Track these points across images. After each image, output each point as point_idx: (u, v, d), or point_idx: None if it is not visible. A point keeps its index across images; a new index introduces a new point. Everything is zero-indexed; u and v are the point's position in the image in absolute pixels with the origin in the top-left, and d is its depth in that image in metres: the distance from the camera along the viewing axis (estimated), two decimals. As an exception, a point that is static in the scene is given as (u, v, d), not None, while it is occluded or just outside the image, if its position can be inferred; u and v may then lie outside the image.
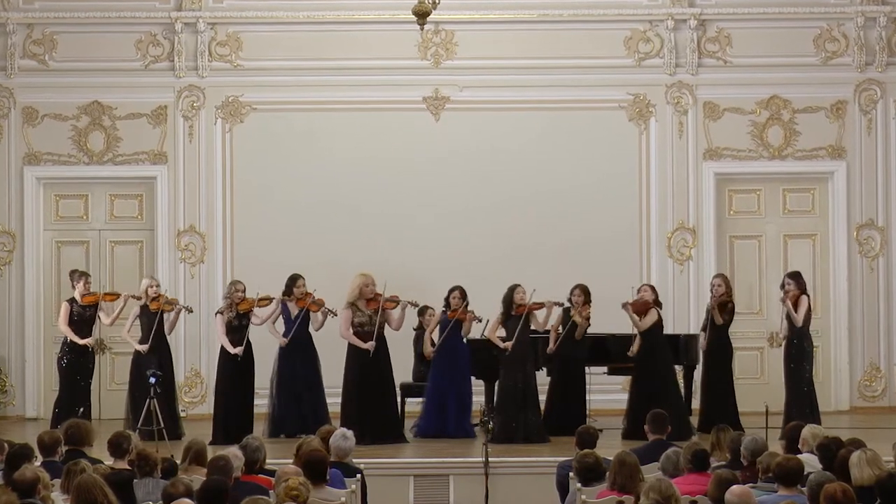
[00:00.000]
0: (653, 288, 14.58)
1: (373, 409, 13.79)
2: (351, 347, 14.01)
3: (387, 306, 14.03)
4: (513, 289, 14.11)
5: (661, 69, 16.54)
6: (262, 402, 14.38)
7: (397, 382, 14.35)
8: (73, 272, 14.86)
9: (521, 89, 16.43)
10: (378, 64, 16.34)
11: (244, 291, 14.30)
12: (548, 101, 16.44)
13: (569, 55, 16.36)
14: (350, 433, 10.00)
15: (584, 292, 14.34)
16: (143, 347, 14.22)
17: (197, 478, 8.62)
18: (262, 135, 16.47)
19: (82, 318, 14.46)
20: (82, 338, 14.38)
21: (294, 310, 14.31)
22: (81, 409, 14.01)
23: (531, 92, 16.43)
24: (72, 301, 14.53)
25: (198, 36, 16.43)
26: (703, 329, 14.67)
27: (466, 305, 14.20)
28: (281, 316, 14.38)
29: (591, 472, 9.03)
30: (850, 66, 16.51)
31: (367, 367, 13.89)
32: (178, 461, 9.47)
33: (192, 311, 14.85)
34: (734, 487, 7.66)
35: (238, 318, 14.21)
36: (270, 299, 14.32)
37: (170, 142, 16.49)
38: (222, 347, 14.31)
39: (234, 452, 8.93)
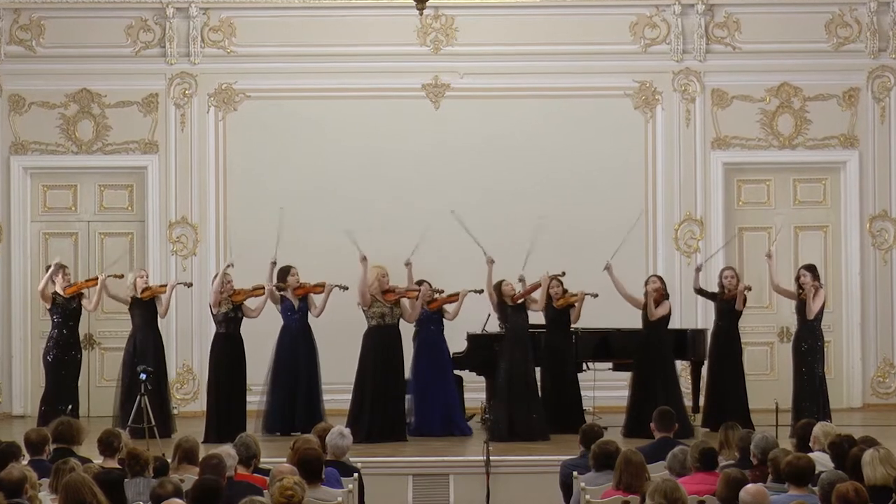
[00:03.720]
0: (661, 279, 14.46)
1: (383, 407, 13.69)
2: (365, 346, 13.85)
3: (409, 295, 13.99)
4: (499, 286, 13.97)
5: (668, 55, 16.44)
6: (255, 399, 14.24)
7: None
8: (53, 265, 14.69)
9: (523, 76, 16.30)
10: (376, 50, 16.22)
11: (231, 283, 14.16)
12: (551, 89, 16.32)
13: (572, 41, 16.25)
14: (347, 431, 9.89)
15: (560, 283, 14.29)
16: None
17: (189, 477, 8.52)
18: (256, 123, 16.35)
19: (66, 309, 14.34)
20: (66, 327, 14.27)
21: (296, 301, 14.17)
22: (70, 407, 13.90)
23: (534, 79, 16.31)
24: (54, 294, 14.42)
25: (190, 21, 16.31)
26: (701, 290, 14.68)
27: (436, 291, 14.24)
28: (282, 313, 14.25)
29: (609, 459, 8.98)
30: (863, 53, 16.41)
31: (381, 363, 13.76)
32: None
33: (191, 286, 14.85)
34: (749, 486, 7.60)
35: (234, 309, 14.04)
36: (262, 288, 14.18)
37: (161, 130, 16.35)
38: (213, 342, 14.16)
39: (227, 451, 8.88)
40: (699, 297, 15.24)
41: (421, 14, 13.78)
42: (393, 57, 16.18)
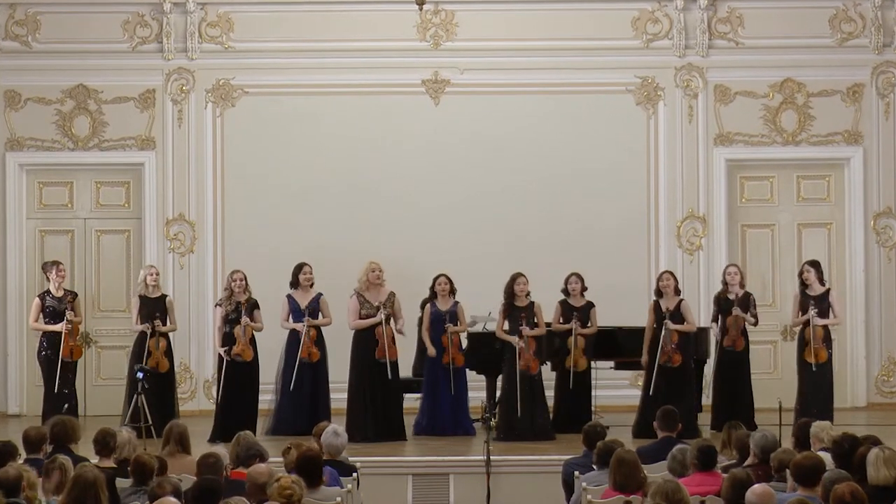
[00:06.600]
0: (673, 275, 14.33)
1: (375, 407, 13.61)
2: (354, 343, 13.77)
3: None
4: (514, 278, 13.88)
5: (670, 51, 16.31)
6: (264, 399, 14.15)
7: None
8: (44, 265, 14.75)
9: (523, 72, 16.18)
10: (375, 46, 16.08)
11: (244, 280, 13.98)
12: (552, 85, 16.20)
13: (574, 36, 16.12)
14: (341, 429, 9.82)
15: (581, 279, 14.20)
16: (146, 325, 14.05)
17: (187, 477, 8.50)
18: (254, 119, 16.22)
19: (56, 311, 14.27)
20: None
21: (303, 302, 14.06)
22: (67, 406, 13.82)
23: (534, 75, 16.18)
24: (43, 295, 14.39)
25: (187, 16, 16.18)
26: (715, 320, 14.41)
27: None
28: (291, 312, 14.16)
29: (611, 456, 8.92)
30: (867, 48, 16.27)
31: (372, 363, 13.64)
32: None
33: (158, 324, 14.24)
34: (755, 487, 7.54)
35: (236, 310, 13.93)
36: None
37: (158, 127, 16.22)
38: (223, 342, 14.03)
39: (221, 450, 8.92)
40: (699, 294, 15.19)
41: (420, 9, 13.68)
42: (392, 52, 16.05)
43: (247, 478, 8.20)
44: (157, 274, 14.43)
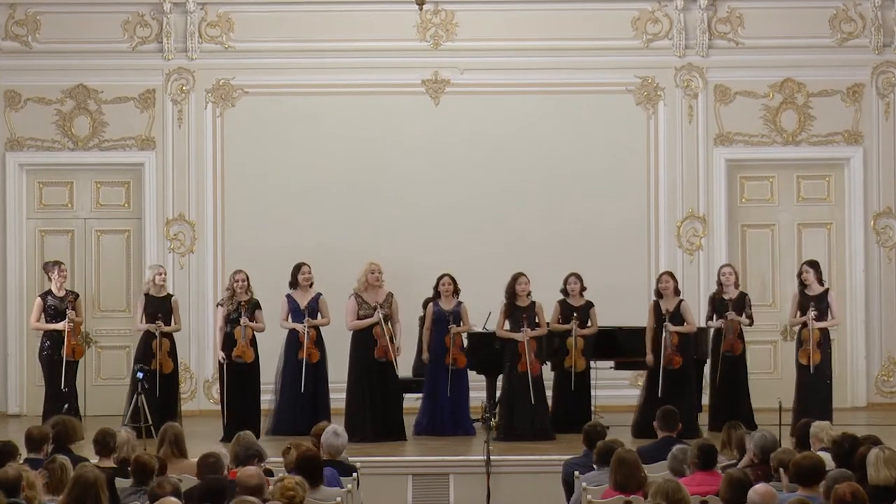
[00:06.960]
0: (673, 276, 14.33)
1: (375, 407, 13.60)
2: (353, 343, 13.78)
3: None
4: (515, 277, 13.90)
5: (670, 51, 16.30)
6: (264, 399, 14.15)
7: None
8: (45, 264, 14.78)
9: (523, 72, 16.16)
10: (375, 46, 16.07)
11: (246, 280, 13.96)
12: (552, 85, 16.18)
13: (574, 36, 16.11)
14: (341, 429, 9.81)
15: (580, 279, 14.21)
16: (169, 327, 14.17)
17: (187, 477, 8.49)
18: (254, 119, 16.21)
19: (58, 311, 14.27)
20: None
21: (302, 302, 14.05)
22: (67, 406, 13.78)
23: (534, 75, 16.17)
24: (45, 295, 14.40)
25: (187, 16, 16.16)
26: (710, 319, 14.47)
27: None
28: (290, 312, 14.15)
29: (611, 455, 8.91)
30: (867, 48, 16.26)
31: (371, 363, 13.65)
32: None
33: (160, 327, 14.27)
34: (758, 486, 7.51)
35: (238, 310, 13.91)
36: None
37: (158, 127, 16.21)
38: (224, 342, 14.01)
39: (221, 450, 8.92)
40: (699, 294, 15.21)
41: (420, 9, 13.66)
42: (392, 52, 16.04)
43: (237, 480, 8.15)
44: (165, 274, 14.48)
